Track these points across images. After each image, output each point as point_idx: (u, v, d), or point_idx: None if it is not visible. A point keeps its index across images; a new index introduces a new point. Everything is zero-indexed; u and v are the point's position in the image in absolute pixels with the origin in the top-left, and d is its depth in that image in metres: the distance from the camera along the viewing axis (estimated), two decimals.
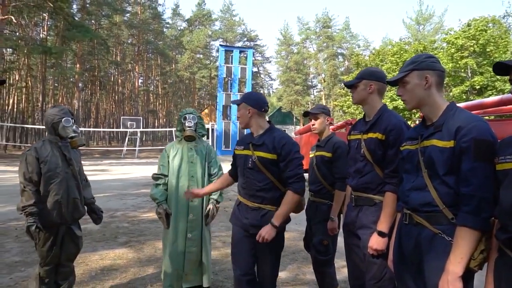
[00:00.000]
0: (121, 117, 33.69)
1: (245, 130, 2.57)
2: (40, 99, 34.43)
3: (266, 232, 2.21)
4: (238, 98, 2.49)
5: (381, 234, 1.99)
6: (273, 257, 2.40)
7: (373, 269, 2.09)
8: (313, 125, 2.99)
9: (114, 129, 39.77)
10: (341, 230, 2.71)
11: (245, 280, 2.36)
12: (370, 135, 2.14)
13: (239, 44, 51.42)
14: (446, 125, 1.57)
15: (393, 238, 1.84)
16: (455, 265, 1.41)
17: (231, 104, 30.57)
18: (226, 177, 2.65)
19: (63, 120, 2.69)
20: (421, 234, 1.59)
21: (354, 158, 2.25)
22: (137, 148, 28.81)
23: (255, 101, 2.40)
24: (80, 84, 35.61)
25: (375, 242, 2.00)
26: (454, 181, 1.51)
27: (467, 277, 1.44)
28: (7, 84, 32.85)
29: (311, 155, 3.06)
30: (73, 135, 2.71)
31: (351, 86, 2.26)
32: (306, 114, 3.03)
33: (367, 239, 2.06)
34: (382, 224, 2.00)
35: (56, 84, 43.34)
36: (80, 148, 2.87)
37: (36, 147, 2.67)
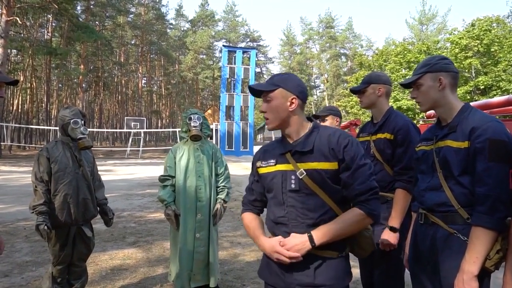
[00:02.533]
0: (125, 118, 33.83)
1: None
2: (45, 100, 34.63)
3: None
4: (260, 83, 1.61)
5: (392, 229, 2.06)
6: None
7: (383, 264, 2.14)
8: None
9: (118, 130, 39.91)
10: None
11: None
12: (379, 135, 2.24)
13: (242, 44, 51.53)
14: (461, 125, 1.58)
15: (409, 238, 1.87)
16: (471, 264, 1.42)
17: (234, 105, 30.63)
18: (256, 219, 1.69)
19: (71, 121, 2.73)
20: (436, 234, 1.61)
21: None
22: (140, 149, 28.90)
23: (298, 86, 1.57)
24: (84, 85, 35.76)
25: (387, 237, 2.06)
26: (469, 182, 1.52)
27: (483, 277, 1.46)
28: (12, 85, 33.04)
29: None
30: (81, 136, 2.75)
31: (358, 91, 2.31)
32: (316, 117, 3.08)
33: (379, 235, 2.11)
34: (393, 220, 2.07)
35: (60, 85, 43.60)
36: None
37: (48, 147, 2.72)
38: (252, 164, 1.73)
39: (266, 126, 1.63)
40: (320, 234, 1.44)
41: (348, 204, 1.53)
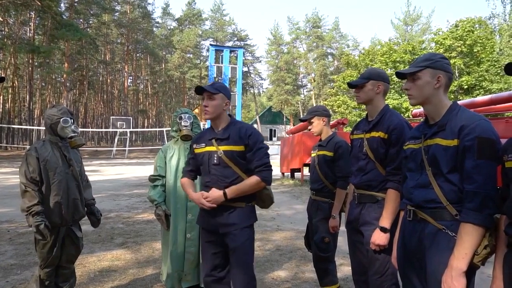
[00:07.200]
0: (111, 117, 33.36)
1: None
2: (27, 99, 33.83)
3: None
4: (208, 86, 2.27)
5: (383, 229, 2.04)
6: (243, 261, 2.22)
7: (375, 264, 2.14)
8: (310, 129, 3.06)
9: (103, 129, 39.31)
10: (341, 228, 2.76)
11: (210, 281, 2.31)
12: (373, 134, 2.20)
13: (230, 43, 51.28)
14: (450, 124, 1.60)
15: (397, 235, 1.88)
16: (459, 260, 1.45)
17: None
18: (191, 183, 2.41)
19: (61, 120, 2.68)
20: (424, 230, 1.62)
21: (356, 157, 2.30)
22: (127, 148, 28.57)
23: (229, 93, 2.32)
24: (68, 84, 35.08)
25: (378, 238, 2.05)
26: (458, 179, 1.54)
27: (470, 273, 1.48)
28: None
29: (313, 155, 3.10)
30: (72, 135, 2.70)
31: (355, 86, 2.29)
32: (301, 121, 3.14)
33: (370, 235, 2.11)
34: (384, 220, 2.05)
35: (44, 84, 42.65)
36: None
37: (37, 147, 2.65)
38: None
39: (205, 116, 2.32)
40: (229, 191, 2.16)
41: (250, 172, 2.22)
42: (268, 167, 2.21)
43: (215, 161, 2.21)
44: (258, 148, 2.21)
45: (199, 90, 2.25)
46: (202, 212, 2.32)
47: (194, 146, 2.36)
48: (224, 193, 2.15)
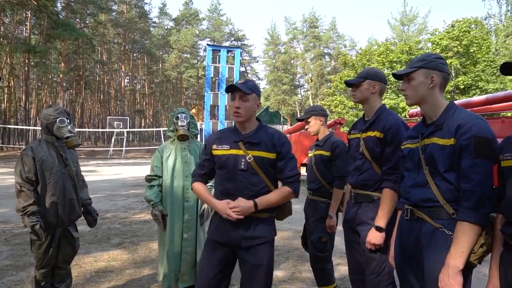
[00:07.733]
0: (108, 117, 33.27)
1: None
2: (23, 99, 33.66)
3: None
4: (241, 84, 2.00)
5: (378, 229, 2.05)
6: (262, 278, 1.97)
7: (372, 264, 2.14)
8: (307, 128, 3.07)
9: (100, 129, 39.15)
10: (338, 228, 2.77)
11: None
12: (369, 133, 2.21)
13: (227, 43, 51.25)
14: (446, 123, 1.61)
15: (394, 234, 1.89)
16: (456, 258, 1.45)
17: (218, 104, 30.56)
18: (207, 189, 2.19)
19: (57, 120, 2.66)
20: (421, 229, 1.63)
21: (353, 157, 2.30)
22: (124, 148, 28.48)
23: (260, 93, 2.13)
24: (64, 84, 34.93)
25: (373, 237, 2.06)
26: (455, 178, 1.55)
27: (466, 271, 1.49)
28: None
29: (310, 154, 3.11)
30: (68, 135, 2.69)
31: (352, 84, 2.29)
32: (298, 121, 3.16)
33: (366, 235, 2.12)
34: (380, 220, 2.06)
35: (40, 84, 42.44)
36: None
37: (32, 146, 2.64)
38: None
39: (238, 119, 2.02)
40: (260, 201, 1.95)
41: (276, 181, 2.08)
42: (299, 179, 2.07)
43: (242, 166, 1.98)
44: (290, 158, 2.05)
45: (231, 88, 2.00)
46: (218, 223, 2.03)
47: (214, 146, 2.07)
48: (255, 204, 1.93)
